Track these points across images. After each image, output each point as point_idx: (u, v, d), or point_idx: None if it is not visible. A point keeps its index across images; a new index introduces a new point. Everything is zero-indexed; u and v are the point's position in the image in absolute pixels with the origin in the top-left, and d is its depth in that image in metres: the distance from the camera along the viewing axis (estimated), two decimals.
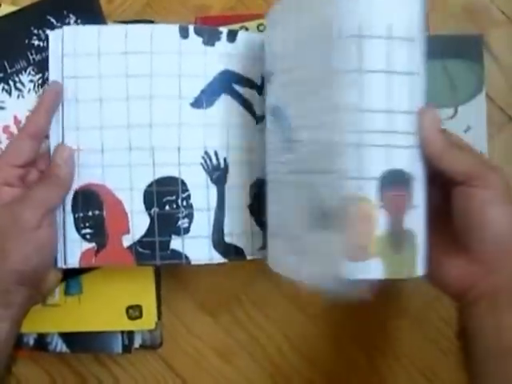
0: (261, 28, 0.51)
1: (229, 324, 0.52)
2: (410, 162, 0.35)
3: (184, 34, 0.44)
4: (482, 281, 0.35)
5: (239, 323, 0.52)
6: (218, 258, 0.44)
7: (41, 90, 0.48)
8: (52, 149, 0.44)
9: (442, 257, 0.37)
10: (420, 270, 0.36)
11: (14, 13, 0.48)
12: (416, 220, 0.36)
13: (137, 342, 0.51)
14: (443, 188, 0.37)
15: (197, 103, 0.44)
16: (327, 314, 0.52)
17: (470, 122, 0.50)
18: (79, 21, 0.48)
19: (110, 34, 0.44)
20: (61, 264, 0.43)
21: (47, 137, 0.44)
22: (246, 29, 0.50)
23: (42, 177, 0.43)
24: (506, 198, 0.35)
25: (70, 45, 0.44)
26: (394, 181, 0.35)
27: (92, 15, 0.48)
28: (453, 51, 0.50)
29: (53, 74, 0.44)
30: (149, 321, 0.49)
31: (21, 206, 0.40)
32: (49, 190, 0.42)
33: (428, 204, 0.36)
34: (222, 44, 0.45)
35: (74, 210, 0.44)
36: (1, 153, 0.45)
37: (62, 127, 0.44)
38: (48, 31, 0.45)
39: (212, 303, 0.52)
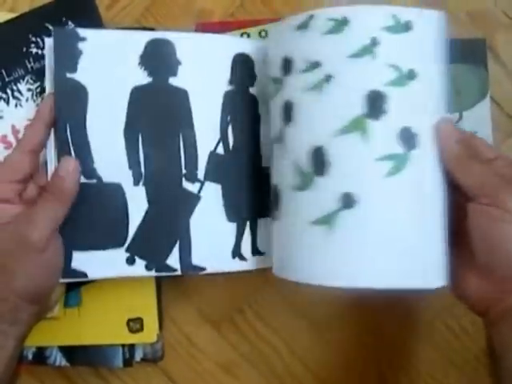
0: (262, 34, 0.50)
1: (232, 336, 0.51)
2: None
3: None
4: (501, 300, 0.35)
5: (242, 335, 0.51)
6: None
7: (39, 99, 0.47)
8: (48, 161, 0.43)
9: (463, 271, 0.37)
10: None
11: (11, 20, 0.48)
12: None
13: (138, 356, 0.50)
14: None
15: None
16: (333, 326, 0.51)
17: (476, 128, 0.49)
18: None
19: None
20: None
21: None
22: (248, 35, 0.50)
23: (46, 193, 0.41)
24: None
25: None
26: None
27: (90, 22, 0.48)
28: (456, 56, 0.49)
29: (49, 82, 0.43)
30: (150, 334, 0.48)
31: (28, 227, 0.39)
32: (55, 207, 0.40)
33: (448, 216, 0.36)
34: None
35: None
36: None
37: (58, 138, 0.42)
38: (46, 38, 0.44)
39: (214, 315, 0.51)
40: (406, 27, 0.36)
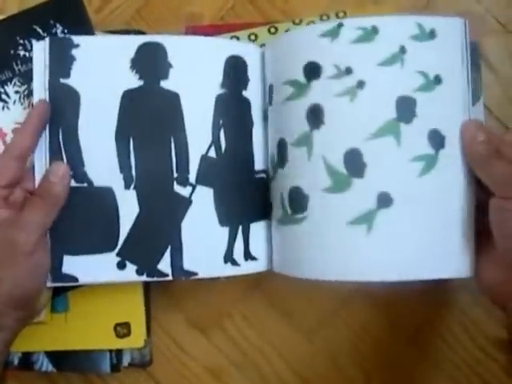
0: (252, 37, 0.50)
1: (220, 341, 0.51)
2: None
3: None
4: None
5: (230, 340, 0.51)
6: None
7: (27, 102, 0.46)
8: (37, 165, 0.42)
9: (486, 263, 0.39)
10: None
11: None
12: None
13: (126, 361, 0.50)
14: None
15: None
16: (321, 330, 0.50)
17: None
18: (66, 30, 0.47)
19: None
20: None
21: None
22: (237, 38, 0.49)
23: (34, 197, 0.40)
24: None
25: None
26: None
27: (79, 25, 0.47)
28: None
29: (37, 86, 0.43)
30: (137, 339, 0.48)
31: (15, 231, 0.39)
32: (43, 211, 0.40)
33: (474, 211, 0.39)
34: None
35: None
36: None
37: (50, 143, 0.42)
38: (34, 41, 0.44)
39: (203, 320, 0.51)
40: (431, 35, 0.39)
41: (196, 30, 0.51)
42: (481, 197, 0.39)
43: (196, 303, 0.51)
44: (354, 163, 0.39)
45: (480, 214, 0.39)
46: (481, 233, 0.39)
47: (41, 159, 0.42)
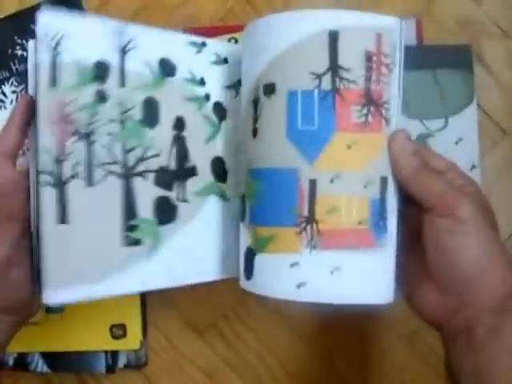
0: None
1: (216, 342, 0.51)
2: None
3: None
4: (456, 315, 0.34)
5: (226, 342, 0.51)
6: None
7: None
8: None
9: (418, 285, 0.36)
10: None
11: None
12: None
13: (121, 362, 0.50)
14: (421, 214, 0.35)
15: None
16: (318, 333, 0.50)
17: (461, 134, 0.49)
18: None
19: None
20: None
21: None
22: (236, 40, 0.49)
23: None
24: (478, 227, 0.32)
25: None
26: None
27: None
28: (442, 61, 0.50)
29: (31, 85, 0.42)
30: (133, 340, 0.48)
31: None
32: (3, 226, 0.37)
33: (400, 231, 0.36)
34: None
35: None
36: None
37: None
38: (30, 41, 0.44)
39: (198, 321, 0.51)
40: None
41: (194, 31, 0.51)
42: (416, 212, 0.35)
43: (192, 305, 0.51)
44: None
45: (414, 230, 0.36)
46: (417, 251, 0.36)
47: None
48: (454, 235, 0.33)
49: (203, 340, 0.51)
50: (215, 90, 0.43)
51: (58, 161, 0.37)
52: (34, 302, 0.41)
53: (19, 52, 0.46)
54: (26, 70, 0.44)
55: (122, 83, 0.39)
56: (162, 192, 0.41)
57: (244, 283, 0.38)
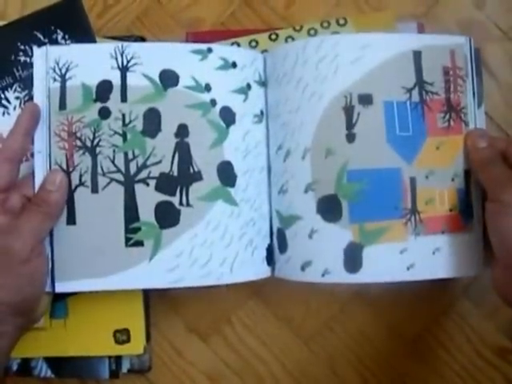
0: (253, 44, 0.50)
1: (220, 347, 0.51)
2: None
3: None
4: None
5: (230, 346, 0.51)
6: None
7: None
8: (36, 171, 0.42)
9: (492, 266, 0.40)
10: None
11: (0, 28, 0.47)
12: None
13: (125, 367, 0.49)
14: None
15: None
16: (321, 338, 0.50)
17: None
18: (67, 36, 0.47)
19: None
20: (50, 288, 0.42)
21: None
22: (238, 44, 0.49)
23: (31, 205, 0.41)
24: None
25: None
26: None
27: (80, 31, 0.47)
28: None
29: (37, 92, 0.43)
30: (137, 345, 0.48)
31: (10, 238, 0.39)
32: (39, 219, 0.40)
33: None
34: None
35: None
36: None
37: (49, 146, 0.42)
38: (35, 47, 0.44)
39: (202, 326, 0.51)
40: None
41: (197, 35, 0.51)
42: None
43: (195, 309, 0.51)
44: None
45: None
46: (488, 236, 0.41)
47: (41, 166, 0.42)
48: (500, 217, 0.38)
49: (206, 344, 0.51)
50: (222, 95, 0.43)
51: (67, 172, 0.42)
52: (40, 306, 0.42)
53: (22, 58, 0.46)
54: (29, 77, 0.44)
55: (124, 99, 0.43)
56: (163, 197, 0.42)
57: (348, 277, 0.42)
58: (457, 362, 0.49)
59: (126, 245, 0.42)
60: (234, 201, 0.43)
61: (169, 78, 0.43)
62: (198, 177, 0.43)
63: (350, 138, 0.42)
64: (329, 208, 0.42)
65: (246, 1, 0.53)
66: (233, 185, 0.43)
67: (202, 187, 0.43)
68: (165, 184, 0.42)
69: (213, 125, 0.43)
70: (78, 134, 0.42)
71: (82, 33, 0.47)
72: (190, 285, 0.42)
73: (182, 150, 0.42)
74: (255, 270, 0.45)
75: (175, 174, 0.42)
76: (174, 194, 0.42)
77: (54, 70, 0.43)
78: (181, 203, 0.42)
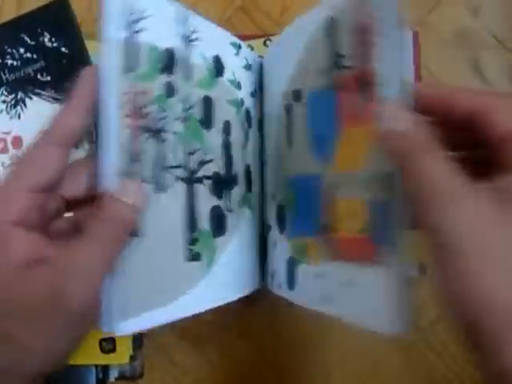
0: (267, 43, 0.49)
1: (212, 354, 0.50)
2: None
3: None
4: None
5: (225, 354, 0.50)
6: None
7: (13, 111, 0.45)
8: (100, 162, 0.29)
9: None
10: None
11: None
12: None
13: (112, 376, 0.49)
14: None
15: None
16: (317, 346, 0.50)
17: None
18: (54, 38, 0.46)
19: None
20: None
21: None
22: (251, 48, 0.48)
23: (96, 225, 0.27)
24: None
25: None
26: None
27: (68, 33, 0.46)
28: None
29: (107, 46, 0.30)
30: (122, 354, 0.47)
31: (66, 280, 0.26)
32: (109, 248, 0.27)
33: None
34: None
35: None
36: (11, 173, 0.29)
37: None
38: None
39: (196, 333, 0.50)
40: None
41: None
42: None
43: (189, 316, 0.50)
44: None
45: None
46: None
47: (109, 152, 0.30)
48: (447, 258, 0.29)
49: (199, 351, 0.50)
50: (245, 96, 0.39)
51: (133, 160, 0.30)
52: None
53: (9, 61, 0.45)
54: (17, 80, 0.43)
55: (187, 76, 0.34)
56: (215, 201, 0.36)
57: (288, 294, 0.36)
58: (450, 370, 0.49)
59: (186, 259, 0.33)
60: (254, 207, 0.40)
61: (219, 66, 0.37)
62: (235, 180, 0.38)
63: (289, 141, 0.36)
64: (279, 218, 0.37)
65: (241, 7, 0.52)
66: (250, 189, 0.40)
67: (237, 191, 0.38)
68: (217, 185, 0.36)
69: (242, 126, 0.38)
70: (144, 111, 0.31)
71: (69, 34, 0.46)
72: (231, 300, 0.37)
73: (227, 149, 0.37)
74: (259, 279, 0.42)
75: (223, 174, 0.36)
76: (221, 197, 0.36)
77: (121, 16, 0.30)
78: (226, 208, 0.37)
